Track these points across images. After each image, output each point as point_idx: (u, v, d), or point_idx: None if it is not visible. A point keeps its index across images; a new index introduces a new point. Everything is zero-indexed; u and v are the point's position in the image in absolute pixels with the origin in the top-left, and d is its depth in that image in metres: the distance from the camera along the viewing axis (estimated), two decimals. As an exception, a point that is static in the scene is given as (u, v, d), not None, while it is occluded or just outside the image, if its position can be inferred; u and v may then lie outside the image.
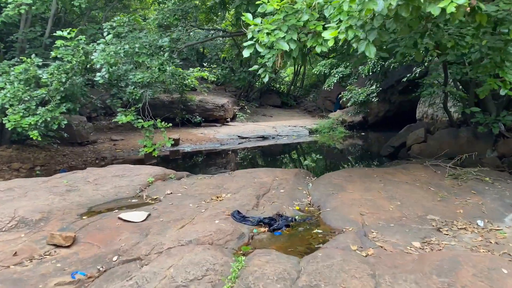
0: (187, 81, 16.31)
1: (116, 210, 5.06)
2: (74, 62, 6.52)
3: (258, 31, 3.80)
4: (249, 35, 3.87)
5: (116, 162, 10.78)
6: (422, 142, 8.88)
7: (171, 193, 5.75)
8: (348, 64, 17.98)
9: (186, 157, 12.10)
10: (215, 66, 14.74)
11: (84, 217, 4.83)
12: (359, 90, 16.58)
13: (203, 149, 13.16)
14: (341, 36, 3.42)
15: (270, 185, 5.97)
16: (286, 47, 3.67)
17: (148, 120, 7.63)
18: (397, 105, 18.44)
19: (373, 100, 16.57)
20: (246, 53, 4.04)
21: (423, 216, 4.64)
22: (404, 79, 14.96)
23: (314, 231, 4.40)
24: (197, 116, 16.90)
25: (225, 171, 10.17)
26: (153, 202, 5.47)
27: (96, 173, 6.40)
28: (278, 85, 28.77)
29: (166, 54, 6.72)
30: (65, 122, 7.67)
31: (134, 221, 4.56)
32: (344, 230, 4.29)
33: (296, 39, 3.65)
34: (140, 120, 6.77)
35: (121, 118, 6.57)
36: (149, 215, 4.78)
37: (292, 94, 29.15)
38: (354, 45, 3.50)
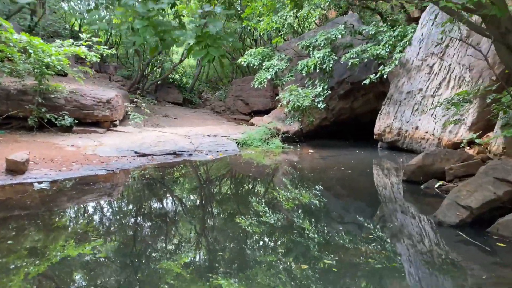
0: (49, 60, 10.29)
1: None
2: None
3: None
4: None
5: None
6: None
7: None
8: (284, 55, 13.89)
9: (33, 207, 6.19)
10: (101, 41, 9.10)
11: None
12: (302, 91, 12.62)
13: (72, 179, 7.50)
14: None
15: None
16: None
17: None
18: (335, 112, 15.10)
19: (318, 105, 12.78)
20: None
21: None
22: (367, 81, 11.47)
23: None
24: (67, 117, 10.85)
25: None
26: None
27: None
28: (178, 77, 23.52)
29: None
30: None
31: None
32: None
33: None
34: None
35: None
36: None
37: (196, 90, 24.24)
38: None
